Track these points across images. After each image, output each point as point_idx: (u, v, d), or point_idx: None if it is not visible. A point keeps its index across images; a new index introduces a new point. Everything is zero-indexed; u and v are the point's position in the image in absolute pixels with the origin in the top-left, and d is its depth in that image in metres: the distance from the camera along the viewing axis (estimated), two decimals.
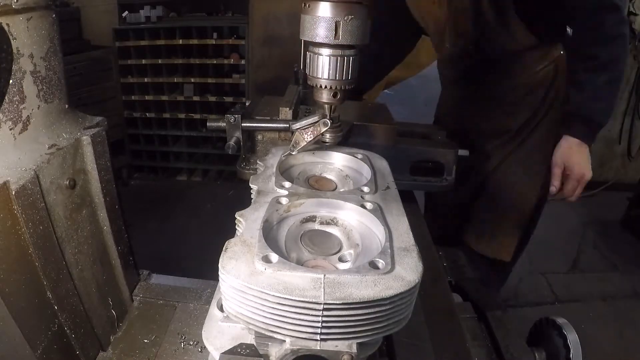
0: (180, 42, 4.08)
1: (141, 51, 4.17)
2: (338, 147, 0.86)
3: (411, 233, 0.62)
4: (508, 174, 1.58)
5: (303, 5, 0.70)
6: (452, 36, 1.54)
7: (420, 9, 1.62)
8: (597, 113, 1.41)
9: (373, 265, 0.54)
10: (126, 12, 4.13)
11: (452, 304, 0.99)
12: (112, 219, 0.87)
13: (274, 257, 0.54)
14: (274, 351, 0.56)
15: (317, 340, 0.51)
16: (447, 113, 1.83)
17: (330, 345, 0.52)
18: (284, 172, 0.79)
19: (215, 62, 4.16)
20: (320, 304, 0.48)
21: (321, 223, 0.68)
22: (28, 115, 0.69)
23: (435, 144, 1.35)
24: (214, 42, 4.09)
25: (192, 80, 4.26)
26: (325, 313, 0.49)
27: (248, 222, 0.62)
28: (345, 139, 1.08)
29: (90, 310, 0.85)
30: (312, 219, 0.68)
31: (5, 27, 0.62)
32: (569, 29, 1.40)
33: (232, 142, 1.11)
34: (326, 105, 0.74)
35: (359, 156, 0.84)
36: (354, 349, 0.52)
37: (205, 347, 0.87)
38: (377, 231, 0.64)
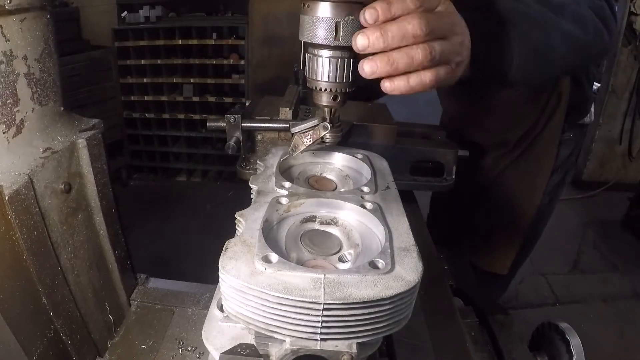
0: (180, 42, 4.07)
1: (140, 51, 4.17)
2: (338, 147, 0.85)
3: (411, 233, 0.62)
4: (505, 187, 1.55)
5: (302, 5, 0.68)
6: None
7: None
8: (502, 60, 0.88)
9: (373, 265, 0.54)
10: (125, 12, 4.12)
11: (452, 304, 0.98)
12: (108, 222, 0.86)
13: (274, 257, 0.54)
14: (274, 351, 0.56)
15: (317, 340, 0.51)
16: (445, 124, 1.80)
17: (330, 345, 0.52)
18: (284, 172, 0.79)
19: (214, 62, 4.16)
20: (320, 304, 0.48)
21: (321, 223, 0.68)
22: (22, 119, 0.68)
23: (435, 144, 1.34)
24: (214, 42, 4.08)
25: (192, 80, 4.25)
26: (325, 313, 0.49)
27: (248, 222, 0.61)
28: (345, 139, 1.07)
29: (86, 315, 0.84)
30: (312, 219, 0.68)
31: None
32: None
33: (232, 142, 1.11)
34: (326, 109, 0.73)
35: (359, 156, 0.84)
36: (354, 349, 0.52)
37: (203, 353, 0.87)
38: (377, 231, 0.64)
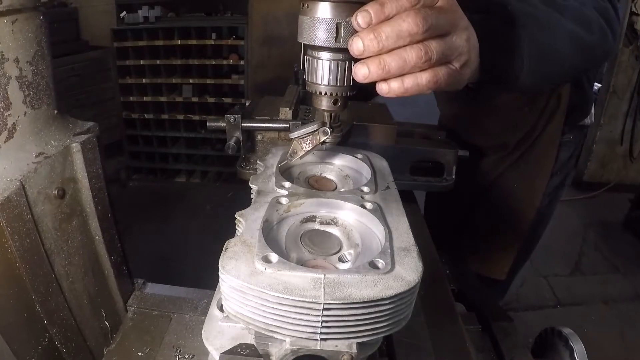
0: (179, 42, 4.05)
1: (139, 52, 4.15)
2: (338, 147, 0.85)
3: (411, 233, 0.62)
4: (505, 189, 1.53)
5: (301, 5, 0.66)
6: None
7: None
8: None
9: (373, 265, 0.54)
10: (124, 13, 4.10)
11: (452, 304, 0.97)
12: (104, 228, 0.84)
13: (274, 257, 0.54)
14: (274, 351, 0.56)
15: (317, 340, 0.51)
16: (443, 126, 1.78)
17: (330, 345, 0.52)
18: (284, 172, 0.79)
19: (214, 62, 4.14)
20: (320, 304, 0.49)
21: (321, 223, 0.68)
22: (14, 123, 0.66)
23: (435, 144, 1.33)
24: (213, 43, 4.07)
25: (191, 81, 4.23)
26: (325, 313, 0.49)
27: (248, 222, 0.62)
28: (345, 139, 1.07)
29: (82, 322, 0.82)
30: (312, 219, 0.68)
31: None
32: None
33: (232, 142, 1.11)
34: (326, 113, 0.71)
35: (359, 156, 0.84)
36: (354, 349, 0.52)
37: None
38: (377, 231, 0.64)
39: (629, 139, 4.47)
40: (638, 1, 3.97)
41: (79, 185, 0.78)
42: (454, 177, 1.29)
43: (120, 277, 0.94)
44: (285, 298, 0.49)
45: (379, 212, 0.65)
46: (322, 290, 0.49)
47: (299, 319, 0.50)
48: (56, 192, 0.72)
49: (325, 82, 0.67)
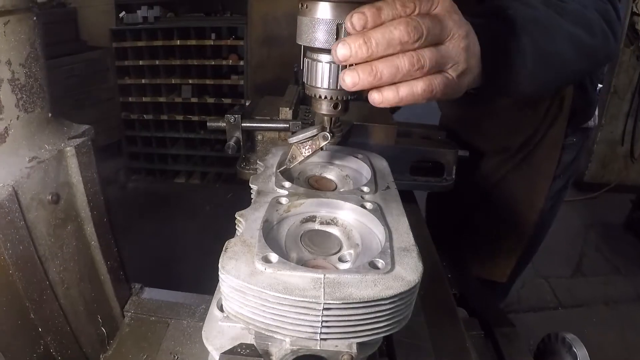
0: (178, 42, 4.04)
1: (138, 52, 4.13)
2: (338, 147, 0.86)
3: (411, 233, 0.62)
4: (507, 192, 1.51)
5: (300, 5, 0.64)
6: None
7: None
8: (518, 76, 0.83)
9: (373, 265, 0.54)
10: (123, 13, 4.09)
11: (452, 304, 0.96)
12: (100, 233, 0.83)
13: (274, 257, 0.54)
14: (274, 351, 0.56)
15: (317, 340, 0.52)
16: (444, 127, 1.76)
17: (330, 345, 0.52)
18: (284, 172, 0.78)
19: (213, 63, 4.12)
20: (320, 304, 0.49)
21: (321, 223, 0.68)
22: (6, 127, 0.64)
23: (435, 144, 1.33)
24: (212, 43, 4.05)
25: (190, 81, 4.22)
26: (325, 313, 0.49)
27: (248, 222, 0.62)
28: (345, 139, 1.07)
29: (77, 329, 0.81)
30: (312, 219, 0.68)
31: None
32: None
33: (232, 142, 1.11)
34: (326, 118, 0.69)
35: (359, 156, 0.84)
36: (354, 349, 0.52)
37: None
38: (377, 231, 0.64)
39: (630, 140, 4.45)
40: (639, 1, 3.95)
41: (73, 190, 0.76)
42: (454, 177, 1.29)
43: (117, 283, 0.93)
44: (285, 298, 0.49)
45: (379, 212, 0.66)
46: (322, 290, 0.49)
47: (299, 319, 0.50)
48: (50, 197, 0.70)
49: (325, 85, 0.65)
